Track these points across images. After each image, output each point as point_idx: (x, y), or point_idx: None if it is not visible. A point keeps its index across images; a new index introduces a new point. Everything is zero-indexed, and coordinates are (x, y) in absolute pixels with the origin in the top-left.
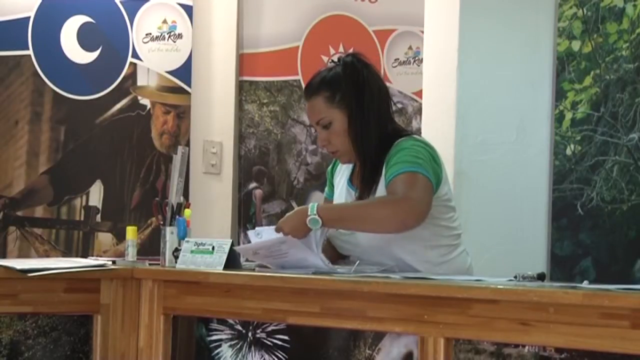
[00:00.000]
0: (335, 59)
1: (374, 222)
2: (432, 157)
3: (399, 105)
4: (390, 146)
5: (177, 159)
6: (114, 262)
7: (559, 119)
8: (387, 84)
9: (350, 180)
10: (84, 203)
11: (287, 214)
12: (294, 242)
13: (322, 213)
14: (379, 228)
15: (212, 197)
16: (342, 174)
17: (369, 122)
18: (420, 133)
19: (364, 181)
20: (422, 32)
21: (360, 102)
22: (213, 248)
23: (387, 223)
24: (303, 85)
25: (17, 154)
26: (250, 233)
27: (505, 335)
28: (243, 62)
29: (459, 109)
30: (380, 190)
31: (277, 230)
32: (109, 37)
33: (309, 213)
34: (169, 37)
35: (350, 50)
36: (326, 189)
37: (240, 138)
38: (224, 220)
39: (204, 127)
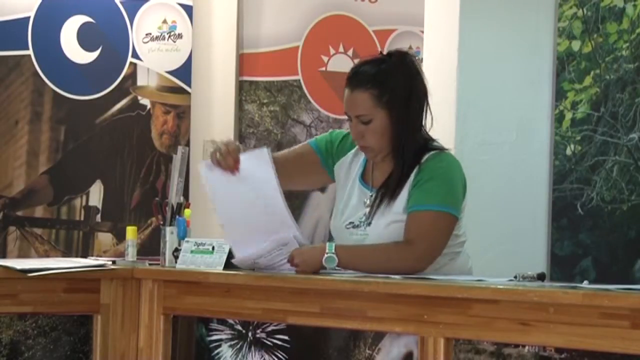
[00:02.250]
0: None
1: (384, 270)
2: (462, 182)
3: None
4: (420, 154)
5: (177, 159)
6: (114, 262)
7: (559, 119)
8: None
9: (363, 178)
10: (84, 203)
11: (303, 248)
12: (292, 244)
13: (340, 253)
14: (388, 273)
15: None
16: (349, 166)
17: (413, 127)
18: None
19: (392, 184)
20: (422, 32)
21: (408, 107)
22: (213, 248)
23: (395, 271)
24: (303, 85)
25: (17, 154)
26: (202, 166)
27: (505, 335)
28: (243, 62)
29: (459, 109)
30: (403, 197)
31: (289, 260)
32: (109, 37)
33: (327, 251)
34: (169, 37)
35: (401, 48)
36: (316, 140)
37: (240, 138)
38: None
39: (204, 127)
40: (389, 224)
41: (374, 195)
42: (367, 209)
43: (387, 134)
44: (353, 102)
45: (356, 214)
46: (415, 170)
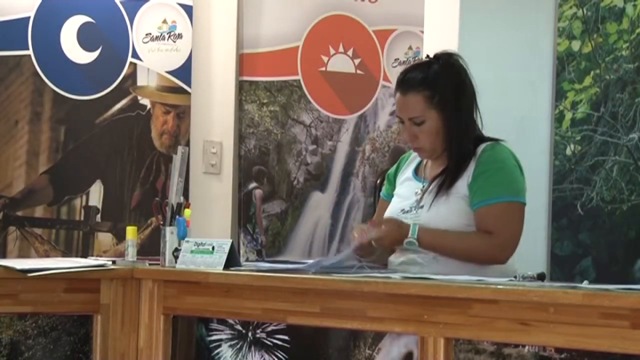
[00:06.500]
0: (431, 54)
1: (467, 257)
2: (520, 171)
3: None
4: (472, 147)
5: (177, 159)
6: (114, 262)
7: (559, 119)
8: (387, 84)
9: (416, 172)
10: (84, 203)
11: (387, 228)
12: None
13: (422, 237)
14: (469, 260)
15: (212, 197)
16: (405, 170)
17: (465, 124)
18: None
19: (446, 178)
20: (422, 32)
21: (458, 105)
22: (213, 248)
23: (478, 259)
24: (303, 85)
25: (17, 154)
26: None
27: (505, 335)
28: (243, 62)
29: None
30: (461, 185)
31: (376, 242)
32: (109, 37)
33: (409, 235)
34: (169, 37)
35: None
36: (384, 190)
37: (240, 138)
38: (224, 220)
39: (204, 127)
40: (444, 209)
41: (427, 184)
42: (418, 196)
43: (440, 134)
44: (405, 105)
45: (407, 202)
46: (472, 161)
